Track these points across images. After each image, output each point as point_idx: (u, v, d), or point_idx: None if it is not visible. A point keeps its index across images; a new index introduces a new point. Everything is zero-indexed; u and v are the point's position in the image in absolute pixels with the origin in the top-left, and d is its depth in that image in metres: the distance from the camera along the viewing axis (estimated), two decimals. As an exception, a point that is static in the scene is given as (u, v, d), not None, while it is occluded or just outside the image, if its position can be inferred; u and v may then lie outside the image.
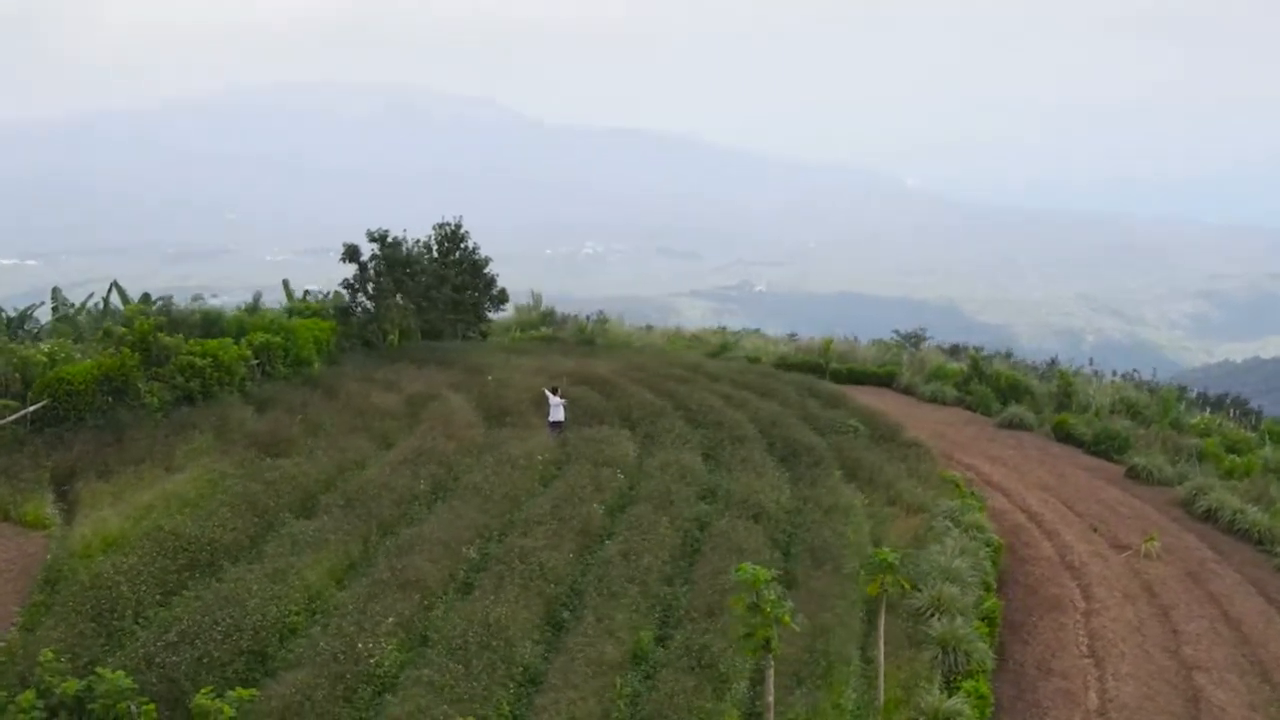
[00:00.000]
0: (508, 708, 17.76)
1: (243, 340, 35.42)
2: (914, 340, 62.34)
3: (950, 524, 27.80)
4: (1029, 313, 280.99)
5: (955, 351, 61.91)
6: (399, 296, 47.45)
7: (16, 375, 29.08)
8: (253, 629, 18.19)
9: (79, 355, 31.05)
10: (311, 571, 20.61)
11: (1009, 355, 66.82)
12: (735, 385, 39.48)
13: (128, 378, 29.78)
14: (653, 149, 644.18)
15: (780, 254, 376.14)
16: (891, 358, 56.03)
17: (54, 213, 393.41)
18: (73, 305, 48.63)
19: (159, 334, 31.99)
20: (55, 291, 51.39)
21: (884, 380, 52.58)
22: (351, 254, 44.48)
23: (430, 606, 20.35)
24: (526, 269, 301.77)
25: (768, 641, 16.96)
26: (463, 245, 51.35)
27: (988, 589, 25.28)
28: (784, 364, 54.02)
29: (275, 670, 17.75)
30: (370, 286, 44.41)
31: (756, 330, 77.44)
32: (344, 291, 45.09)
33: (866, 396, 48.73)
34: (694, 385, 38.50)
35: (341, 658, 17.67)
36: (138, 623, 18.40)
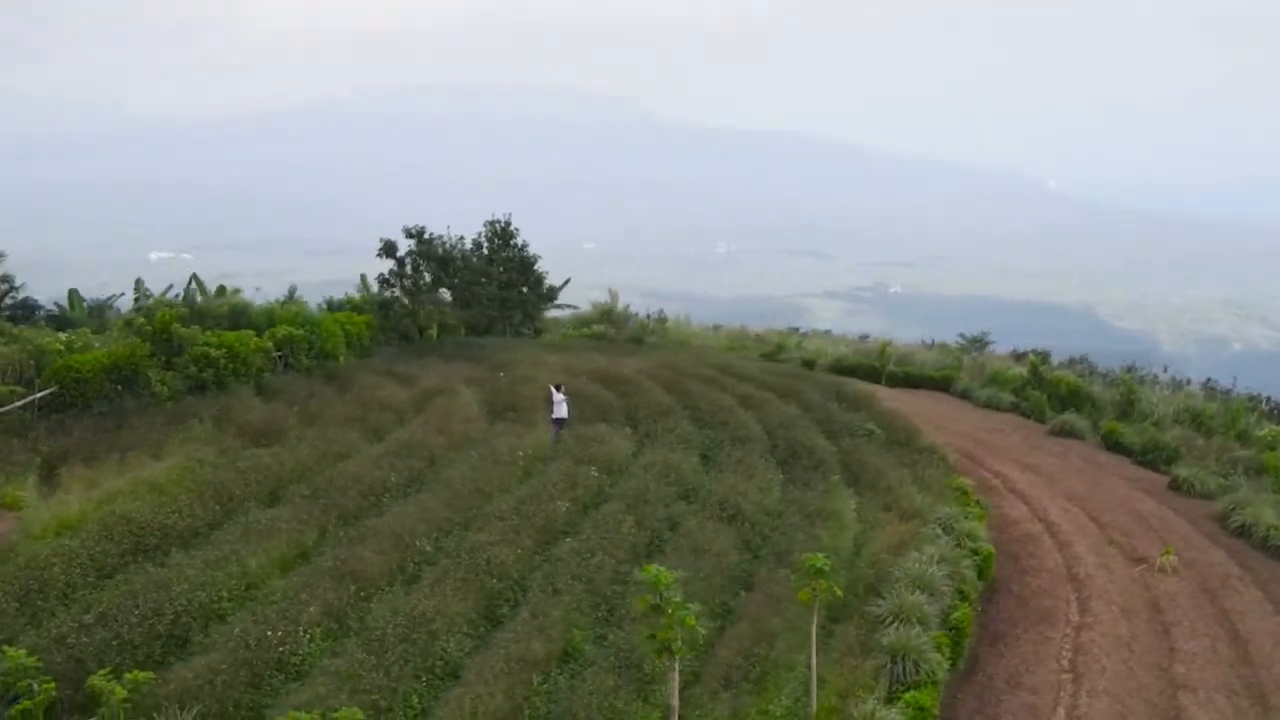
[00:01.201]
0: (417, 701, 17.71)
1: (266, 333, 36.05)
2: (978, 344, 60.98)
3: (941, 531, 27.03)
4: (1170, 319, 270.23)
5: (1020, 357, 60.38)
6: (445, 291, 48.10)
7: (31, 363, 30.03)
8: (174, 614, 18.47)
9: (98, 344, 31.93)
10: (256, 559, 20.85)
11: (1082, 360, 64.96)
12: (760, 386, 38.97)
13: (137, 367, 30.54)
14: (790, 150, 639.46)
15: (915, 254, 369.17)
16: (952, 362, 54.94)
17: (205, 209, 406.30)
18: (151, 295, 50.20)
19: (175, 325, 32.73)
20: (138, 283, 53.19)
21: (941, 384, 51.70)
22: (389, 249, 45.07)
23: (367, 598, 20.44)
24: (656, 270, 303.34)
25: (670, 644, 16.66)
26: (512, 243, 51.72)
27: (964, 598, 24.49)
28: (840, 366, 53.60)
29: (191, 655, 17.97)
30: (406, 282, 44.91)
31: (827, 332, 76.82)
32: (380, 286, 45.63)
33: (915, 400, 48.05)
34: (715, 386, 38.15)
35: (255, 645, 17.82)
36: (63, 604, 18.80)
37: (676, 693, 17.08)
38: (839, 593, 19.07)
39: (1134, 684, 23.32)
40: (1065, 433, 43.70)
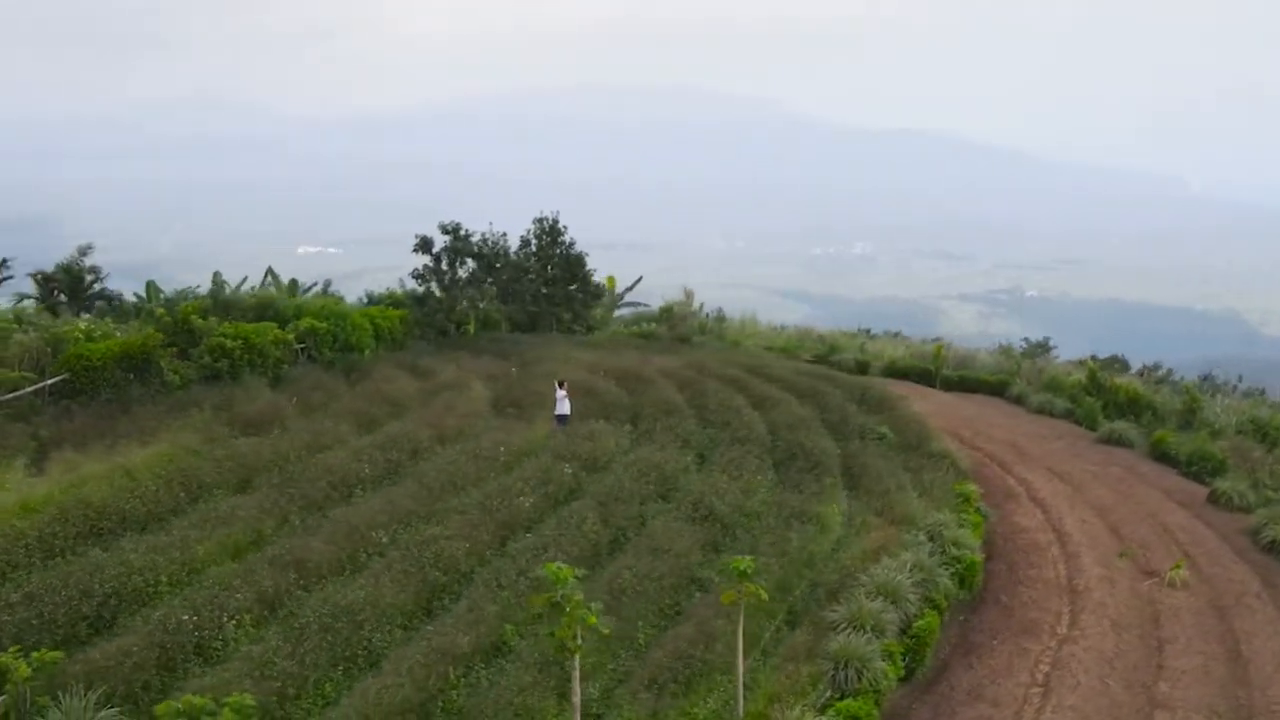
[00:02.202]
0: (331, 689, 17.84)
1: (290, 325, 36.68)
2: (1040, 349, 59.53)
3: (926, 538, 26.37)
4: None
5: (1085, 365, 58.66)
6: (489, 283, 48.52)
7: (48, 350, 30.99)
8: (103, 596, 18.86)
9: (119, 334, 32.80)
10: (205, 546, 21.21)
11: (1156, 368, 63.01)
12: (783, 387, 38.49)
13: (149, 356, 31.29)
14: (927, 149, 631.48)
15: (1052, 257, 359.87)
16: (1011, 366, 53.72)
17: (351, 205, 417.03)
18: (228, 286, 51.75)
19: (193, 317, 33.48)
20: (215, 275, 54.80)
21: (996, 389, 50.70)
22: (424, 245, 45.51)
23: (307, 587, 20.63)
24: (789, 270, 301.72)
25: (566, 641, 16.50)
26: (560, 240, 51.90)
27: (935, 607, 23.86)
28: (894, 369, 52.98)
29: (116, 636, 18.32)
30: (443, 277, 45.33)
31: (898, 334, 75.53)
32: (415, 281, 46.13)
33: (963, 405, 47.15)
34: (735, 386, 37.78)
35: (174, 629, 18.10)
36: (-2, 583, 19.33)
37: (578, 690, 16.89)
38: (764, 596, 18.62)
39: (1106, 701, 22.42)
40: (1114, 441, 42.35)
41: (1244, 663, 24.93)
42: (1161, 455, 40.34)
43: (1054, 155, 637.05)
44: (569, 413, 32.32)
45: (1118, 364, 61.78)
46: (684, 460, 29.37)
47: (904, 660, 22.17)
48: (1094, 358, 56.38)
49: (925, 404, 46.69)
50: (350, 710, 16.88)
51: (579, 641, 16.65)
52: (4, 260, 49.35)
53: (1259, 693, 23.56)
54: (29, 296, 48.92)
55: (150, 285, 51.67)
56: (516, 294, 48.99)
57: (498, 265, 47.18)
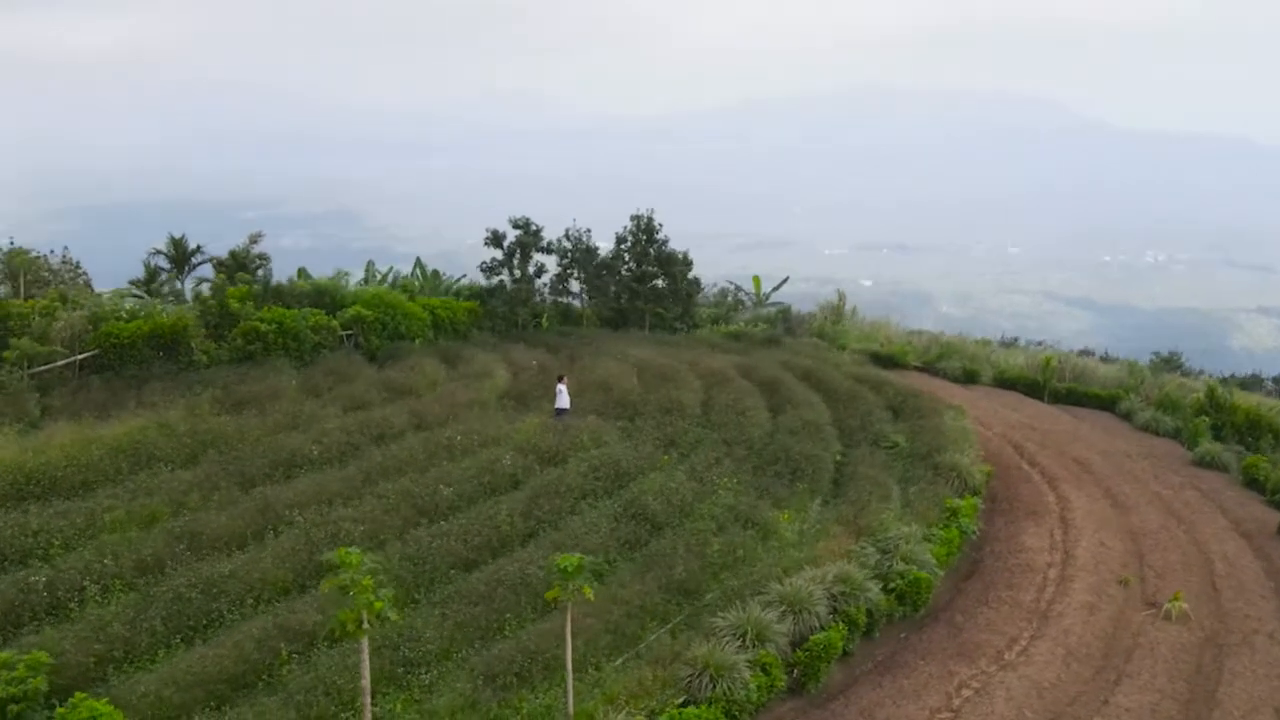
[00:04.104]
0: (163, 655, 18.55)
1: (339, 313, 38.02)
2: (1170, 364, 55.61)
3: (877, 552, 25.31)
4: None
5: (1226, 382, 54.57)
6: (576, 278, 49.07)
7: (90, 328, 33.14)
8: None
9: (163, 314, 34.75)
10: (115, 514, 22.31)
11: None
12: (819, 390, 37.56)
13: (178, 336, 33.04)
14: (1217, 154, 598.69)
15: None
16: (1130, 380, 50.72)
17: (635, 201, 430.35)
18: (379, 274, 54.57)
19: (231, 301, 35.14)
20: (369, 265, 57.65)
21: (1105, 404, 48.04)
22: (495, 239, 46.26)
23: (195, 558, 21.39)
24: (1071, 274, 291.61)
25: (358, 624, 16.68)
26: (656, 238, 51.89)
27: (851, 622, 22.89)
28: (1002, 379, 50.94)
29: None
30: (514, 271, 45.99)
31: (1040, 343, 72.13)
32: (485, 274, 46.94)
33: (1057, 418, 45.10)
34: (765, 388, 37.04)
35: (29, 589, 19.15)
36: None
37: (366, 672, 17.03)
38: (589, 595, 18.26)
39: (1002, 736, 21.05)
40: (1206, 464, 39.60)
41: (1213, 704, 23.04)
42: (1251, 481, 37.53)
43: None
44: (569, 407, 32.39)
45: (1215, 379, 56.91)
46: (653, 459, 28.94)
47: (793, 673, 21.41)
48: (1220, 378, 52.38)
49: (1015, 414, 44.72)
50: (163, 676, 17.49)
51: (365, 626, 16.81)
52: (198, 246, 52.78)
53: (1210, 739, 21.70)
54: (206, 280, 52.51)
55: (300, 272, 54.70)
56: (600, 289, 49.25)
57: (580, 262, 47.52)
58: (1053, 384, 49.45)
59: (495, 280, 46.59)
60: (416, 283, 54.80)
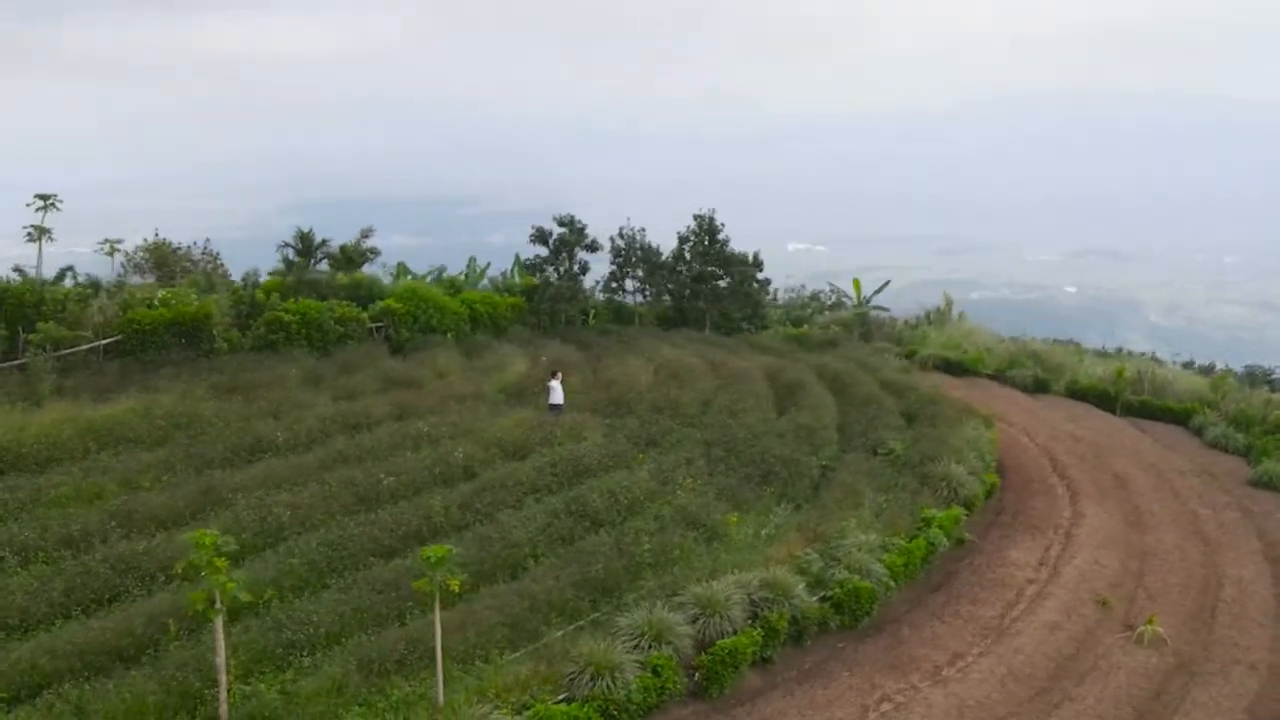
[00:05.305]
0: (59, 626, 19.41)
1: (371, 306, 39.00)
2: (1260, 378, 52.78)
3: (820, 559, 24.81)
4: None
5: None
6: (631, 277, 49.36)
7: (119, 315, 34.77)
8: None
9: (192, 303, 36.22)
10: (62, 491, 23.40)
11: None
12: (837, 392, 36.93)
13: (199, 324, 34.40)
14: None
15: None
16: (1214, 395, 48.49)
17: (841, 204, 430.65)
18: (478, 270, 56.30)
19: (258, 293, 36.41)
20: (470, 260, 59.31)
21: (1179, 418, 46.14)
22: (541, 236, 46.70)
23: (124, 536, 22.23)
24: None
25: (209, 604, 17.21)
26: (718, 238, 51.73)
27: (771, 631, 22.51)
28: (1075, 389, 49.42)
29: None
30: (560, 268, 46.37)
31: (1146, 354, 69.32)
32: (531, 272, 47.41)
33: (1123, 432, 43.77)
34: (785, 390, 36.65)
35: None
36: None
37: (221, 650, 17.51)
38: (455, 587, 18.41)
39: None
40: (1265, 484, 37.61)
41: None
42: (1306, 505, 35.38)
43: None
44: (562, 402, 32.55)
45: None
46: (629, 456, 28.90)
47: (694, 676, 21.15)
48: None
49: (1071, 426, 43.27)
50: (42, 645, 18.30)
51: (219, 606, 17.32)
52: (324, 240, 55.09)
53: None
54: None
55: (400, 266, 56.65)
56: (656, 288, 49.40)
57: (633, 261, 47.73)
58: (1125, 396, 47.56)
59: (540, 277, 47.08)
60: (512, 279, 56.23)
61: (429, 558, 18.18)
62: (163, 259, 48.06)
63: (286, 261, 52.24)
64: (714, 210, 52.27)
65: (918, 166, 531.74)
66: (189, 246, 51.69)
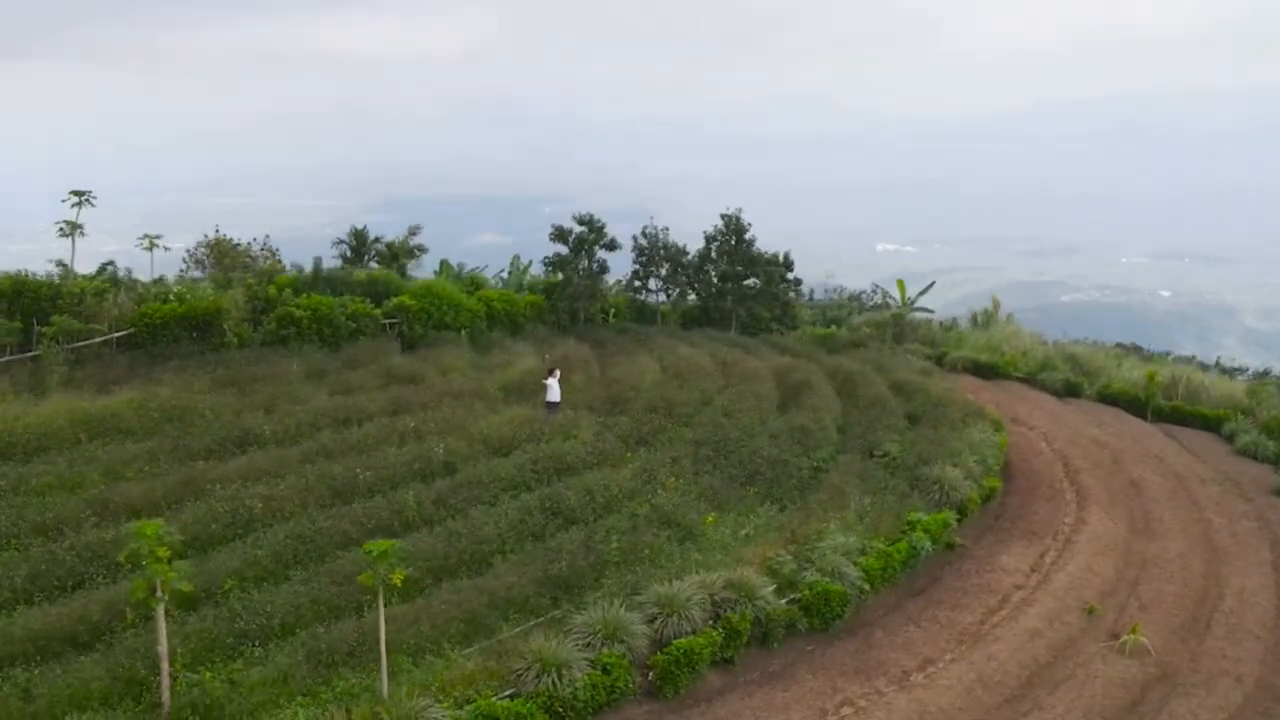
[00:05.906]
0: (18, 612, 19.90)
1: (385, 303, 39.43)
2: (1301, 383, 51.28)
3: (793, 561, 24.67)
4: None
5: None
6: (656, 276, 49.37)
7: (135, 307, 35.51)
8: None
9: (204, 297, 36.86)
10: (45, 480, 23.96)
11: None
12: (846, 394, 36.67)
13: (210, 319, 35.00)
14: None
15: None
16: (1249, 402, 47.47)
17: (932, 204, 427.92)
18: (520, 268, 56.95)
19: (271, 288, 36.96)
20: (514, 259, 59.89)
21: (1211, 424, 45.30)
22: (560, 235, 46.83)
23: (96, 525, 22.72)
24: None
25: (150, 592, 17.56)
26: (746, 237, 51.52)
27: (733, 632, 22.40)
28: (1106, 394, 48.70)
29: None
30: (581, 267, 46.46)
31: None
32: (549, 270, 47.61)
33: (1150, 437, 43.05)
34: (791, 390, 36.44)
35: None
36: None
37: (163, 639, 17.84)
38: (398, 581, 18.58)
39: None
40: (1280, 494, 36.76)
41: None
42: (1322, 518, 34.51)
43: None
44: (558, 400, 32.65)
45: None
46: (616, 455, 28.93)
47: (648, 675, 21.13)
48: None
49: (1095, 430, 42.55)
50: (2, 629, 18.79)
51: (160, 595, 17.66)
52: (377, 238, 56.00)
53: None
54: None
55: (444, 263, 57.30)
56: (682, 287, 49.40)
57: (651, 259, 47.74)
58: (1156, 401, 46.65)
59: (560, 275, 47.25)
60: (521, 275, 56.67)
61: (372, 551, 18.36)
62: (222, 254, 49.41)
63: (341, 258, 53.28)
64: (740, 210, 52.08)
65: (1006, 167, 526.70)
66: (249, 242, 52.83)
